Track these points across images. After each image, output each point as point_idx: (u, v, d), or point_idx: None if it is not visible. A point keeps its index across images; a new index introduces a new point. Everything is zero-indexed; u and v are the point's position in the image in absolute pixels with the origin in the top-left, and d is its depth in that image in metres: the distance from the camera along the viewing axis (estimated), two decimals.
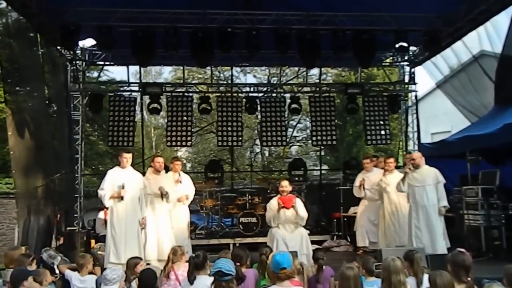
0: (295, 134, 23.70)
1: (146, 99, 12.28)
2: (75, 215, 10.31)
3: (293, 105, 11.76)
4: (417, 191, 7.08)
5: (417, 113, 11.98)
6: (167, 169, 8.19)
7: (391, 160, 8.06)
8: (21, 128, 7.75)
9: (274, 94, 12.25)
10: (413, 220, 7.04)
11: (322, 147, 14.94)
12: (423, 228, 6.93)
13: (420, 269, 4.28)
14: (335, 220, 10.40)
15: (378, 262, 4.42)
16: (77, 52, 10.75)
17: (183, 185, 7.94)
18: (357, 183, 8.61)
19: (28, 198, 7.96)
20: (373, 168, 8.69)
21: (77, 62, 10.97)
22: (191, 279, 4.15)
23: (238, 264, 4.58)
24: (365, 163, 8.76)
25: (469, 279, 3.79)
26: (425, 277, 4.10)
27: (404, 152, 12.32)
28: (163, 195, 7.28)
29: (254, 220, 9.86)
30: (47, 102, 9.30)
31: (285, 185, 7.19)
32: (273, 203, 7.22)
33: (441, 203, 7.08)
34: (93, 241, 8.86)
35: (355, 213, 9.44)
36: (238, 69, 17.79)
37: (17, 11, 8.19)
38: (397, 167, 8.38)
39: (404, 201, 7.61)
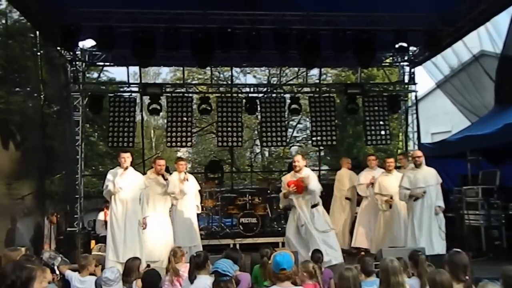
0: (295, 134, 23.68)
1: (146, 99, 12.28)
2: (75, 215, 10.31)
3: (293, 106, 11.76)
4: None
5: (417, 113, 11.97)
6: (167, 170, 8.16)
7: (391, 159, 8.02)
8: (5, 135, 7.60)
9: (274, 95, 12.25)
10: (414, 221, 7.02)
11: (322, 148, 14.94)
12: (424, 229, 6.92)
13: (425, 270, 4.26)
14: None
15: (377, 262, 4.41)
16: (77, 52, 10.75)
17: (190, 183, 7.92)
18: (363, 180, 8.57)
19: (10, 206, 7.87)
20: (377, 167, 8.67)
21: (77, 62, 10.96)
22: (191, 278, 4.15)
23: None
24: (371, 159, 8.74)
25: (467, 277, 3.79)
26: None
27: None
28: (165, 179, 7.31)
29: (254, 220, 9.85)
30: (44, 103, 9.26)
31: (297, 160, 7.06)
32: (284, 182, 7.10)
33: (438, 203, 7.10)
34: (93, 241, 8.86)
35: (356, 213, 9.43)
36: (238, 69, 17.79)
37: (18, 10, 8.18)
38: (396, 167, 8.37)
39: (401, 203, 7.60)
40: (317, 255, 5.37)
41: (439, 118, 16.55)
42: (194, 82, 18.22)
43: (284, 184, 7.11)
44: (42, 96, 9.18)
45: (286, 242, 7.17)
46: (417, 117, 11.96)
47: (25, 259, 4.80)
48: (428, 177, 7.15)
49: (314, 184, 6.88)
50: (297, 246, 6.70)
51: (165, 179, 7.33)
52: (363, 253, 8.05)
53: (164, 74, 26.79)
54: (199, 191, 8.38)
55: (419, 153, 7.47)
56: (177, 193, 7.60)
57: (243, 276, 4.69)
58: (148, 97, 11.49)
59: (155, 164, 7.50)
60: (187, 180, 7.77)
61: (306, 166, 7.24)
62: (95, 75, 13.98)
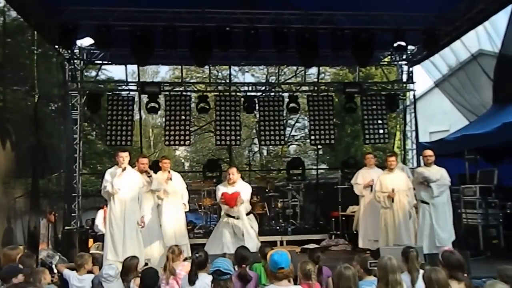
0: (293, 133, 23.67)
1: (144, 98, 12.25)
2: (73, 214, 10.30)
3: (291, 104, 11.74)
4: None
5: (415, 112, 11.98)
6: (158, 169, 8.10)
7: (393, 158, 8.00)
8: (1, 134, 7.56)
9: (272, 93, 12.22)
10: (427, 218, 7.15)
11: (320, 146, 14.93)
12: (442, 224, 7.07)
13: (415, 267, 4.31)
14: (333, 219, 10.40)
15: (375, 260, 4.43)
16: (75, 51, 10.73)
17: (175, 183, 7.89)
18: (360, 180, 8.58)
19: (7, 205, 7.86)
20: (374, 165, 8.70)
21: (75, 61, 10.95)
22: (193, 278, 4.15)
23: (244, 265, 4.59)
24: (369, 158, 8.76)
25: (465, 275, 3.82)
26: (421, 273, 4.12)
27: (403, 151, 12.34)
28: (149, 176, 7.23)
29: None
30: (38, 101, 9.22)
31: (232, 172, 7.02)
32: (218, 195, 7.14)
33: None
34: (91, 240, 8.84)
35: (354, 212, 9.44)
36: (236, 68, 17.76)
37: (15, 10, 8.16)
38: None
39: (404, 199, 7.61)
40: (316, 254, 5.35)
41: (437, 117, 16.55)
42: (192, 80, 18.18)
43: (218, 195, 7.18)
44: (37, 94, 9.16)
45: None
46: (415, 116, 11.96)
47: (26, 282, 4.35)
48: (437, 176, 7.22)
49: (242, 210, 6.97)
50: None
51: (149, 176, 7.27)
52: (368, 253, 8.05)
53: (163, 72, 26.87)
54: (187, 188, 8.34)
55: (430, 152, 7.42)
56: (161, 192, 7.55)
57: (252, 274, 4.71)
58: (146, 95, 11.45)
59: (138, 163, 7.36)
60: (171, 179, 7.74)
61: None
62: (93, 73, 13.93)
